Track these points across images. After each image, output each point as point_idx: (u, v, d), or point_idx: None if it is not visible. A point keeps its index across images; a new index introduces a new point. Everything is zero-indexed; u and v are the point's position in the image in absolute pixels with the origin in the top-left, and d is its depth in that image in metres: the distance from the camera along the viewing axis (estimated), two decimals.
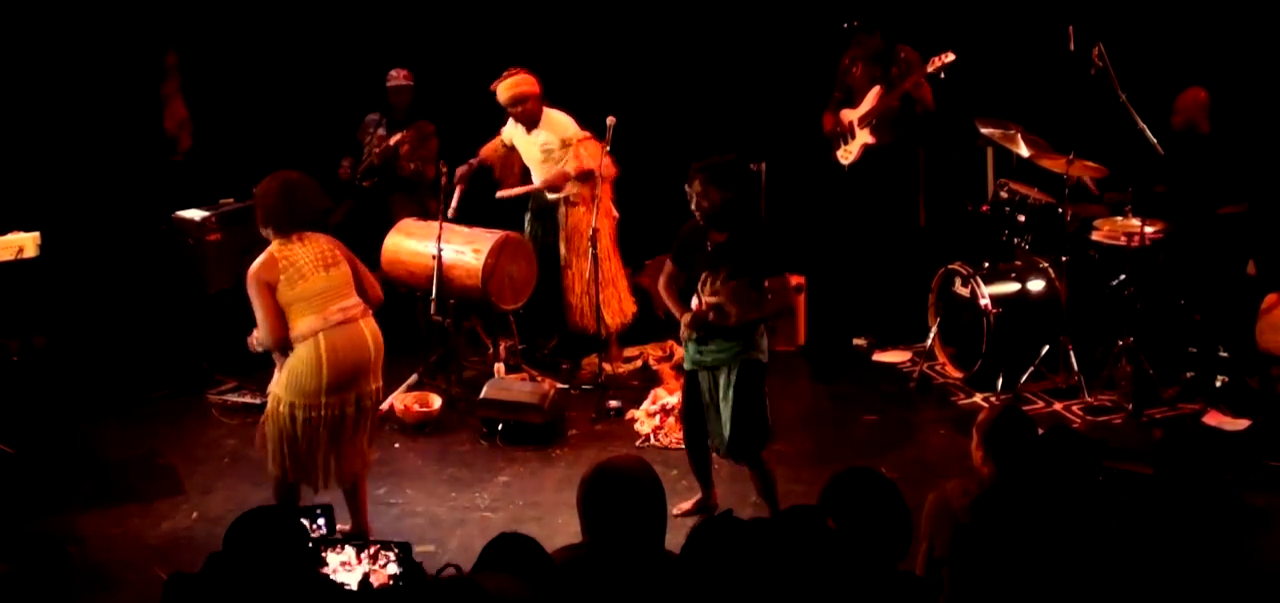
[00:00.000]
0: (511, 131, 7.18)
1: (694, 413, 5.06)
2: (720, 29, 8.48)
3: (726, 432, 4.90)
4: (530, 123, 7.00)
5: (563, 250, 7.13)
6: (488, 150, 7.30)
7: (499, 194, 7.26)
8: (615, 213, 7.13)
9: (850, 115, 7.38)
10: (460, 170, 7.14)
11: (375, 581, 3.22)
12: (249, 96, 8.26)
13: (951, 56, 6.90)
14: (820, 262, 7.97)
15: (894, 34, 7.27)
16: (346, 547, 3.26)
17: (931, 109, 7.22)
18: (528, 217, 7.33)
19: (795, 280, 7.63)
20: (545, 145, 7.02)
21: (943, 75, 6.96)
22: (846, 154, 7.41)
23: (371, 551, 3.28)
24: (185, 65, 8.09)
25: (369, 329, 4.83)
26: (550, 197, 7.15)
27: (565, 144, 6.98)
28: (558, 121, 7.01)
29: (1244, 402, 6.23)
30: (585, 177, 6.92)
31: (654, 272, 8.01)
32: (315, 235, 4.84)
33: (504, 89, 6.93)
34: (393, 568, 3.24)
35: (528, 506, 5.53)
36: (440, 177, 6.75)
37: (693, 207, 4.88)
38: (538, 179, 7.13)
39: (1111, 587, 3.65)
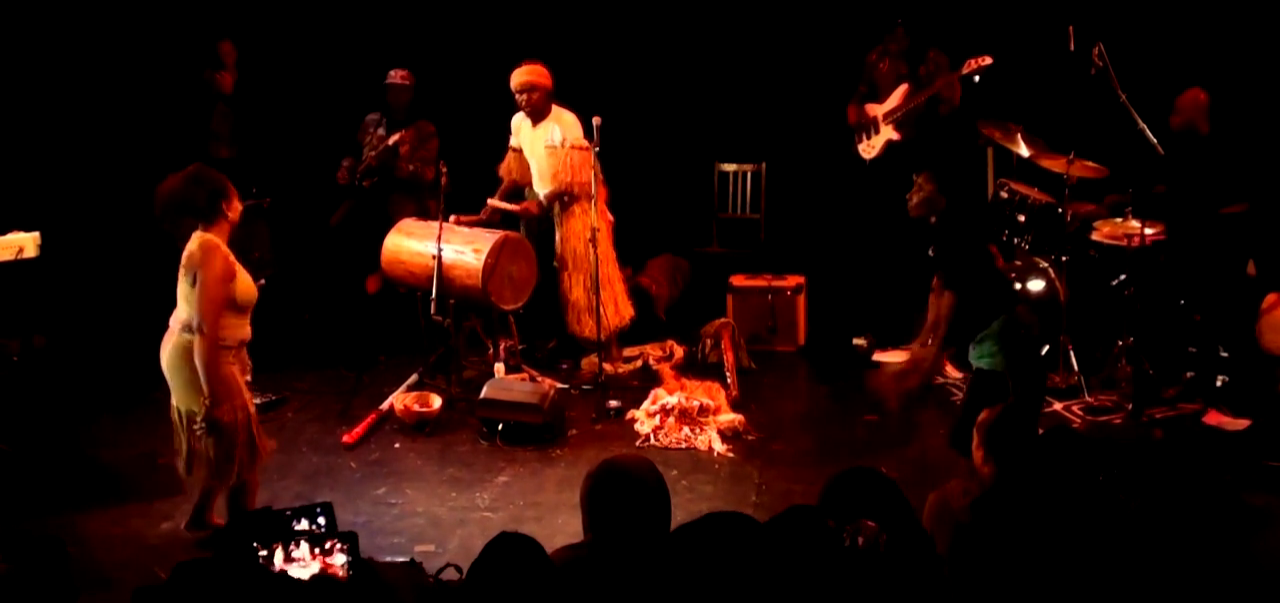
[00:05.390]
0: (519, 128, 7.14)
1: None
2: (720, 30, 8.49)
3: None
4: (536, 114, 6.97)
5: (559, 253, 7.11)
6: (505, 168, 7.28)
7: (490, 201, 7.21)
8: (610, 216, 7.12)
9: (876, 110, 7.44)
10: (491, 202, 7.15)
11: (316, 571, 3.17)
12: (249, 97, 8.25)
13: (989, 60, 6.94)
14: (821, 261, 7.95)
15: (925, 35, 7.34)
16: (301, 544, 3.22)
17: (957, 107, 7.25)
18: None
19: (795, 281, 7.64)
20: (550, 143, 6.98)
21: (977, 79, 6.98)
22: (869, 149, 7.46)
23: (326, 546, 3.23)
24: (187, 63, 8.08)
25: (168, 344, 4.81)
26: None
27: (571, 146, 6.91)
28: (566, 120, 6.97)
29: (1244, 402, 6.23)
30: (581, 190, 6.90)
31: (654, 271, 8.03)
32: (191, 238, 4.74)
33: (515, 75, 6.91)
34: (342, 558, 3.19)
35: (528, 506, 5.52)
36: (440, 177, 6.74)
37: (910, 193, 5.03)
38: (538, 174, 7.08)
39: (1111, 587, 3.65)
